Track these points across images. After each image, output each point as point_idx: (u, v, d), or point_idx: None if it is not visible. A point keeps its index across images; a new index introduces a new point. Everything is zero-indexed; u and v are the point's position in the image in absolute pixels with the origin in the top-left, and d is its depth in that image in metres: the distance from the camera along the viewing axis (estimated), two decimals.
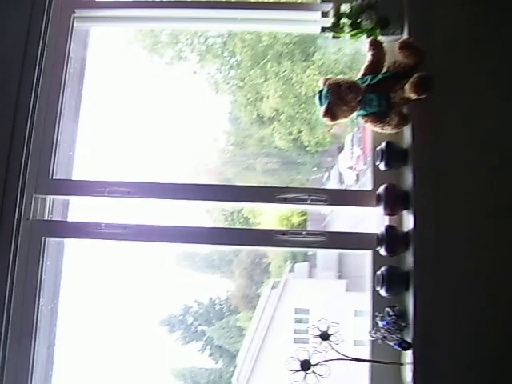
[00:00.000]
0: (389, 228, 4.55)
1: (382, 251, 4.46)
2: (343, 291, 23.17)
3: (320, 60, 21.34)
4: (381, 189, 4.59)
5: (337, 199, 5.05)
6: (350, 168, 37.36)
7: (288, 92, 26.53)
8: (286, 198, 4.82)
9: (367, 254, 4.93)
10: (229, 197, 5.02)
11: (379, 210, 4.60)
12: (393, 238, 4.46)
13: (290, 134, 33.97)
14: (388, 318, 4.33)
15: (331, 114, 4.33)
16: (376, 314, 4.54)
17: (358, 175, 37.20)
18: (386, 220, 4.82)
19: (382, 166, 4.64)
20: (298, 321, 22.58)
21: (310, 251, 31.57)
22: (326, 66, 21.73)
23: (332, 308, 23.49)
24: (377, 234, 4.51)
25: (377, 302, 4.75)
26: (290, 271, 24.87)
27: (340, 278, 24.94)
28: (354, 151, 36.06)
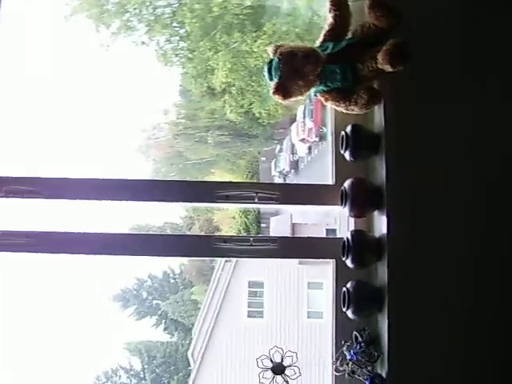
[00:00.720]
0: (356, 233, 3.64)
1: (349, 262, 3.56)
2: (296, 264, 23.35)
3: (271, 29, 21.13)
4: (346, 184, 3.60)
5: (290, 196, 4.04)
6: (302, 140, 37.47)
7: (238, 64, 26.16)
8: (227, 195, 3.86)
9: (329, 266, 3.98)
10: (161, 196, 3.94)
11: (344, 210, 3.66)
12: (361, 246, 3.55)
13: (242, 106, 33.41)
14: (356, 347, 3.42)
15: (284, 90, 3.32)
16: (342, 341, 3.56)
17: (310, 147, 37.55)
18: (353, 223, 3.93)
19: (347, 156, 3.65)
20: (253, 294, 22.68)
21: (264, 223, 31.35)
22: (277, 36, 21.47)
23: (285, 280, 23.67)
24: (342, 239, 3.59)
25: (342, 326, 3.74)
26: None
27: None
28: (306, 123, 35.99)
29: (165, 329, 76.93)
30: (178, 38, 23.81)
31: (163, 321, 76.40)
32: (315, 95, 3.49)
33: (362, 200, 3.68)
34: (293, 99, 3.42)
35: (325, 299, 22.86)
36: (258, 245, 3.99)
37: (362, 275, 3.75)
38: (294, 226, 24.81)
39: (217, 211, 57.98)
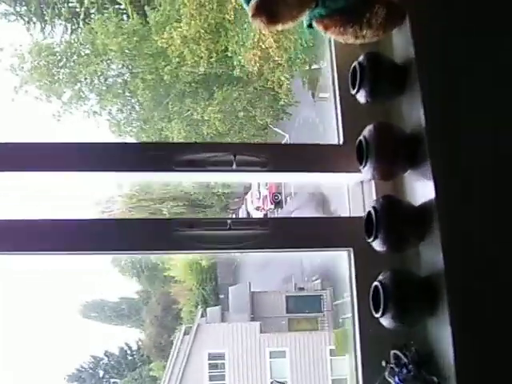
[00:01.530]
0: (388, 200, 2.52)
1: (378, 244, 2.44)
2: (257, 333, 22.96)
3: (221, 96, 21.36)
4: (366, 132, 2.54)
5: (282, 161, 2.90)
6: (258, 208, 37.52)
7: (193, 132, 26.33)
8: (191, 160, 2.74)
9: (341, 259, 3.05)
10: (114, 163, 2.84)
11: (364, 172, 2.59)
12: (397, 218, 2.44)
13: None
14: (402, 371, 2.36)
15: (268, 12, 2.28)
16: (384, 363, 2.50)
17: (265, 215, 37.66)
18: (374, 190, 2.89)
19: (361, 97, 2.59)
20: (213, 366, 22.12)
21: (222, 294, 30.93)
22: (228, 103, 21.72)
23: (247, 351, 23.20)
24: (368, 212, 2.49)
25: (372, 342, 2.74)
26: (202, 316, 24.39)
27: (253, 319, 24.65)
28: (260, 191, 36.25)
29: None
30: (130, 107, 23.96)
31: None
32: (309, 24, 2.46)
33: (391, 151, 2.54)
34: (280, 26, 2.36)
35: (288, 368, 22.50)
36: (239, 229, 2.82)
37: (394, 263, 2.59)
38: (253, 294, 24.54)
39: (173, 284, 57.04)
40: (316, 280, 28.45)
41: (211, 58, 20.07)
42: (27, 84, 21.72)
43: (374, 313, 2.46)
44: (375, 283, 2.46)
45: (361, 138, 2.56)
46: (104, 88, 23.03)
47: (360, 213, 2.82)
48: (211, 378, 21.37)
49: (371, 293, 2.49)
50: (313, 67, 21.17)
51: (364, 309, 2.64)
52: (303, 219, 3.20)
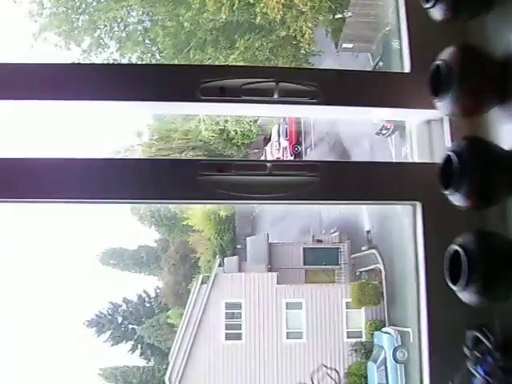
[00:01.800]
0: (475, 143, 1.99)
1: (460, 197, 1.88)
2: (274, 283, 22.97)
3: (244, 45, 20.92)
4: (446, 54, 2.00)
5: (336, 92, 2.26)
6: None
7: None
8: (222, 87, 2.15)
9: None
10: (132, 92, 2.30)
11: (444, 103, 1.99)
12: (487, 165, 1.90)
13: (217, 123, 33.08)
14: (487, 359, 1.78)
15: None
16: (468, 345, 1.91)
17: None
18: (447, 131, 2.30)
19: (437, 12, 2.03)
20: (230, 315, 22.23)
21: (240, 244, 30.82)
22: (251, 52, 21.33)
23: (264, 301, 23.23)
24: (447, 156, 1.93)
25: (442, 317, 2.21)
26: (220, 265, 24.44)
27: (270, 270, 24.63)
28: (280, 142, 35.84)
29: (141, 354, 75.70)
30: (150, 55, 23.58)
31: (139, 346, 75.26)
32: None
33: (479, 79, 1.95)
34: None
35: (304, 319, 22.66)
36: (281, 174, 2.27)
37: (473, 223, 2.04)
38: (270, 245, 24.54)
39: (192, 233, 57.29)
40: (334, 233, 28.42)
41: (233, 5, 19.58)
42: (46, 31, 21.42)
43: (450, 284, 1.87)
44: (454, 247, 1.87)
45: (439, 62, 2.00)
46: (124, 35, 22.65)
47: (426, 159, 2.34)
48: (228, 327, 21.57)
49: (448, 259, 1.90)
50: (337, 17, 20.66)
51: (434, 278, 2.15)
52: (361, 164, 2.54)
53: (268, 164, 2.29)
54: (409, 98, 2.26)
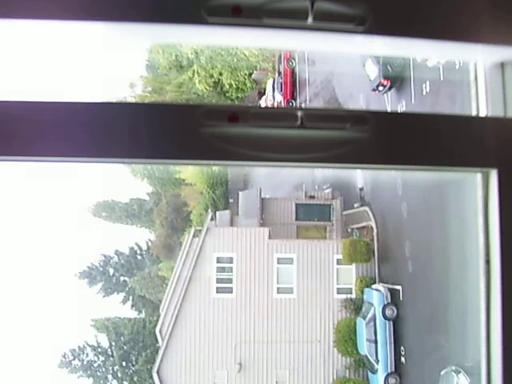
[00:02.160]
0: None
1: None
2: (266, 238, 22.92)
3: None
4: None
5: (390, 18, 1.63)
6: None
7: None
8: (236, 6, 1.61)
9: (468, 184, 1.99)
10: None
11: None
12: None
13: (211, 76, 32.62)
14: None
15: None
16: None
17: None
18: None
19: None
20: (221, 269, 22.24)
21: (232, 198, 30.67)
22: None
23: (255, 256, 23.20)
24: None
25: None
26: (212, 219, 24.31)
27: (262, 225, 24.55)
28: (275, 96, 35.31)
29: (132, 305, 76.43)
30: None
31: (131, 297, 75.94)
32: None
33: None
34: None
35: (294, 275, 22.73)
36: (318, 127, 1.64)
37: None
38: (263, 200, 24.46)
39: (184, 187, 57.18)
40: (327, 189, 28.33)
41: None
42: None
43: None
44: None
45: None
46: None
47: (499, 113, 1.74)
48: (219, 281, 21.63)
49: None
50: None
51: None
52: (422, 118, 1.68)
53: (299, 113, 1.64)
54: (481, 30, 1.62)
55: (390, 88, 19.81)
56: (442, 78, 16.30)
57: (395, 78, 19.33)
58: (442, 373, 14.73)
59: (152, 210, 76.04)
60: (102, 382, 54.75)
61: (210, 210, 26.17)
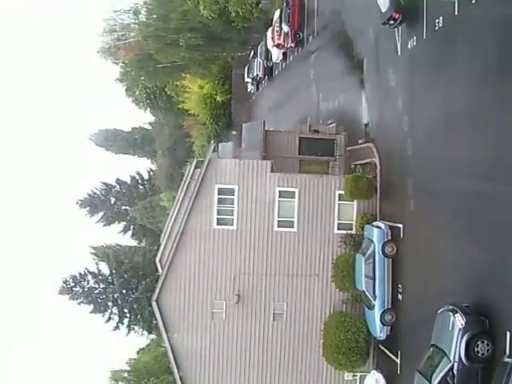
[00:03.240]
0: None
1: None
2: (268, 171, 22.83)
3: None
4: None
5: None
6: (278, 46, 35.86)
7: None
8: None
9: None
10: None
11: None
12: None
13: (217, 2, 31.70)
14: None
15: None
16: None
17: (285, 53, 36.00)
18: None
19: None
20: (223, 201, 22.19)
21: (235, 130, 30.33)
22: None
23: (257, 188, 23.10)
24: None
25: None
26: (214, 151, 24.09)
27: (265, 158, 24.37)
28: (282, 28, 34.42)
29: (133, 234, 76.85)
30: None
31: (131, 226, 76.22)
32: None
33: None
34: None
35: (296, 208, 22.64)
36: None
37: None
38: (266, 132, 24.17)
39: (187, 117, 56.62)
40: (331, 124, 27.96)
41: None
42: None
43: None
44: None
45: None
46: None
47: None
48: (220, 212, 21.58)
49: None
50: None
51: None
52: None
53: None
54: None
55: (401, 22, 19.19)
56: (456, 13, 15.76)
57: (407, 11, 18.71)
58: (438, 312, 14.79)
59: (154, 140, 75.88)
60: (102, 308, 55.80)
61: (212, 142, 25.89)
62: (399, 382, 19.89)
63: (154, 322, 40.82)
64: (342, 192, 21.73)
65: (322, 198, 21.84)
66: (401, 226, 19.65)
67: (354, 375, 22.41)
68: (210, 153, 22.10)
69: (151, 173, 71.51)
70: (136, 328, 55.73)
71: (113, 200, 72.57)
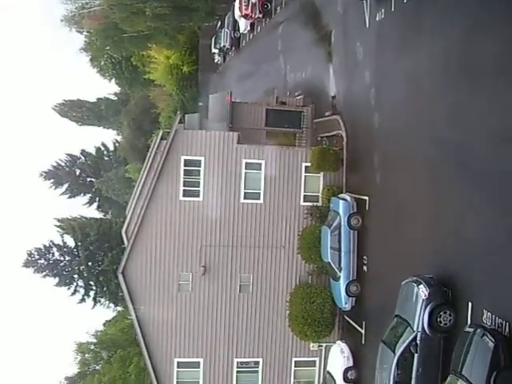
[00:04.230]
0: None
1: None
2: (235, 143, 22.74)
3: None
4: None
5: None
6: (245, 16, 35.54)
7: None
8: None
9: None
10: None
11: None
12: None
13: None
14: None
15: None
16: None
17: (252, 24, 35.70)
18: None
19: None
20: (188, 173, 22.10)
21: (202, 101, 30.11)
22: None
23: (223, 160, 23.02)
24: None
25: None
26: (180, 122, 23.87)
27: (232, 129, 24.25)
28: None
29: (98, 207, 76.13)
30: None
31: (97, 198, 75.49)
32: None
33: None
34: None
35: (262, 180, 22.63)
36: None
37: None
38: (233, 103, 23.99)
39: (153, 88, 55.93)
40: (298, 96, 27.87)
41: None
42: None
43: None
44: None
45: None
46: None
47: None
48: (186, 184, 21.44)
49: None
50: None
51: None
52: None
53: None
54: None
55: None
56: None
57: None
58: (402, 283, 14.99)
59: (120, 111, 74.82)
60: (67, 281, 55.29)
61: (178, 113, 25.58)
62: (364, 351, 20.18)
63: (120, 294, 40.78)
64: (309, 164, 21.76)
65: (289, 170, 21.85)
66: (366, 198, 19.77)
67: (319, 345, 22.67)
68: (176, 124, 21.87)
69: (117, 144, 70.68)
70: (102, 300, 55.50)
71: (78, 172, 71.64)
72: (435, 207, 15.17)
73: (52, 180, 70.17)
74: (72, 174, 71.03)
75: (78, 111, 74.09)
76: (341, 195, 21.11)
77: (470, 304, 13.28)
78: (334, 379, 21.13)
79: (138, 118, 57.05)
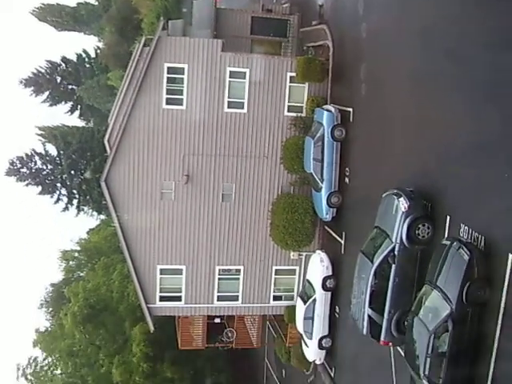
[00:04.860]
0: None
1: None
2: (219, 51, 22.36)
3: None
4: None
5: None
6: None
7: None
8: None
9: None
10: None
11: None
12: None
13: None
14: None
15: None
16: None
17: None
18: None
19: None
20: (171, 80, 21.77)
21: (186, 7, 29.39)
22: None
23: (207, 68, 22.66)
24: None
25: None
26: (164, 28, 23.30)
27: (216, 37, 23.74)
28: None
29: (80, 115, 75.16)
30: None
31: (79, 106, 74.40)
32: None
33: None
34: None
35: (246, 89, 22.36)
36: None
37: None
38: (218, 10, 23.39)
39: None
40: (285, 3, 27.22)
41: None
42: None
43: None
44: None
45: None
46: None
47: None
48: (169, 92, 21.14)
49: None
50: None
51: None
52: None
53: None
54: None
55: None
56: None
57: None
58: (383, 195, 15.17)
59: (101, 17, 72.59)
60: (50, 189, 55.12)
61: (162, 19, 24.88)
62: (343, 261, 20.66)
63: (104, 202, 40.88)
64: (294, 74, 21.50)
65: (273, 80, 21.59)
66: (351, 110, 19.70)
67: (299, 254, 23.13)
68: (159, 30, 21.35)
69: (98, 51, 68.88)
70: (85, 209, 55.68)
71: (59, 79, 70.07)
72: (420, 121, 15.19)
73: (32, 87, 68.71)
74: (53, 82, 69.53)
75: (57, 15, 71.82)
76: (325, 106, 21.00)
77: (448, 218, 13.61)
78: (313, 287, 21.68)
79: (120, 24, 55.42)
